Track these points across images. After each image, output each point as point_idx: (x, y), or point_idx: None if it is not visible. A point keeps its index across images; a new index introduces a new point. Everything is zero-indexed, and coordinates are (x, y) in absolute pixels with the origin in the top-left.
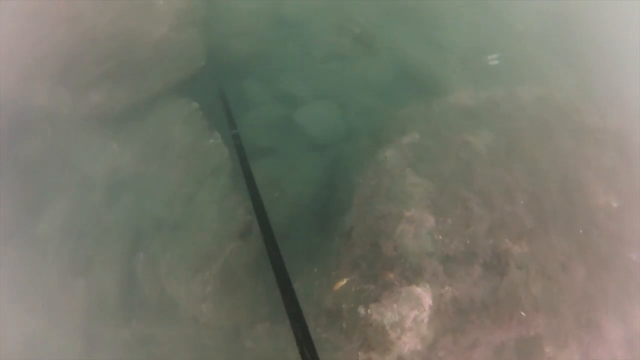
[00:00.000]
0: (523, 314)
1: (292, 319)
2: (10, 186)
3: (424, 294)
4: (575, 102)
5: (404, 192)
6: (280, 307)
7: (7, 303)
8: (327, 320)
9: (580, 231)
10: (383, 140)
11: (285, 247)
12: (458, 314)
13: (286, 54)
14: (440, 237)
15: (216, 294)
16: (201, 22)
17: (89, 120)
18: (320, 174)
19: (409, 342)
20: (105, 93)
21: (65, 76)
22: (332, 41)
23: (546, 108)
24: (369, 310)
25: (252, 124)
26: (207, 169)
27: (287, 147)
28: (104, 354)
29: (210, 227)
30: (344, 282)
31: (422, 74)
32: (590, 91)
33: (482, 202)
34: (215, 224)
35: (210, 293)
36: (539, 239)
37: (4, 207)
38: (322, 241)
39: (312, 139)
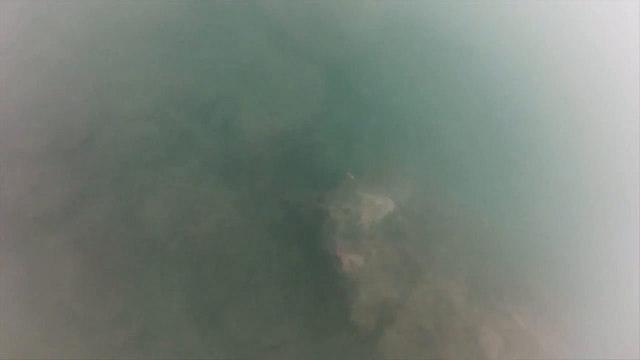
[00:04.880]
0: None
1: None
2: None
3: (391, 204)
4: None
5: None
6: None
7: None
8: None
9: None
10: None
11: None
12: (398, 232)
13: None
14: (410, 202)
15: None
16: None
17: None
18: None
19: (368, 215)
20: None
21: None
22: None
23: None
24: (359, 191)
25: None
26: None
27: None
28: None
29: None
30: (352, 176)
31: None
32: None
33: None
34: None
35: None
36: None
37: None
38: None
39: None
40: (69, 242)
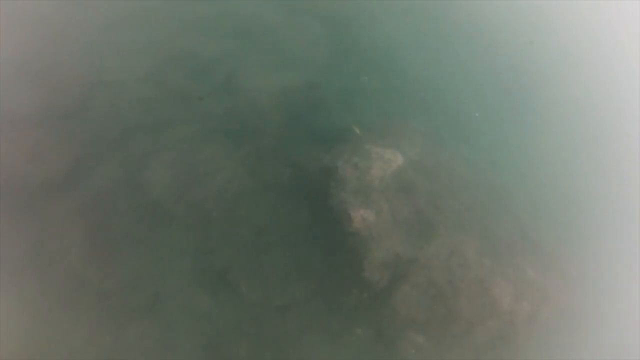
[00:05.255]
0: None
1: None
2: None
3: (400, 157)
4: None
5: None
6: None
7: None
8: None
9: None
10: None
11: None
12: (409, 186)
13: None
14: (420, 156)
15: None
16: None
17: None
18: None
19: (377, 169)
20: None
21: None
22: None
23: None
24: (367, 145)
25: None
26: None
27: None
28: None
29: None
30: (358, 130)
31: None
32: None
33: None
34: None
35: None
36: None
37: None
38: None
39: None
40: (73, 209)
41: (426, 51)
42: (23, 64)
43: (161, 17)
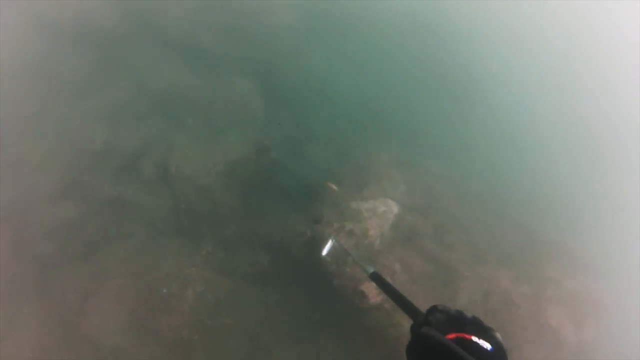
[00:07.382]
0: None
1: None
2: None
3: (394, 206)
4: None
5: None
6: None
7: None
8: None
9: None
10: None
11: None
12: (412, 234)
13: None
14: (409, 195)
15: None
16: None
17: None
18: None
19: (374, 228)
20: None
21: None
22: None
23: None
24: (353, 202)
25: None
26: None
27: None
28: None
29: (235, 146)
30: (335, 187)
31: None
32: None
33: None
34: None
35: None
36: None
37: None
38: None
39: None
40: None
41: (367, 78)
42: None
43: (61, 116)
